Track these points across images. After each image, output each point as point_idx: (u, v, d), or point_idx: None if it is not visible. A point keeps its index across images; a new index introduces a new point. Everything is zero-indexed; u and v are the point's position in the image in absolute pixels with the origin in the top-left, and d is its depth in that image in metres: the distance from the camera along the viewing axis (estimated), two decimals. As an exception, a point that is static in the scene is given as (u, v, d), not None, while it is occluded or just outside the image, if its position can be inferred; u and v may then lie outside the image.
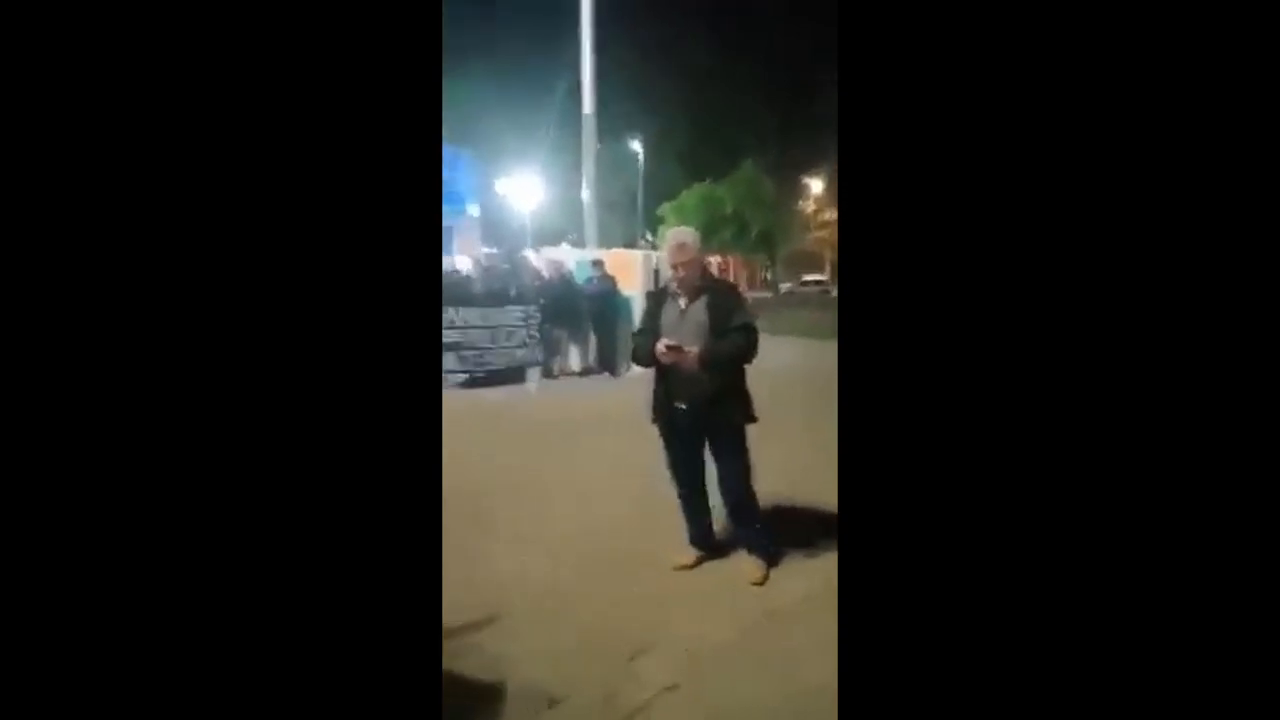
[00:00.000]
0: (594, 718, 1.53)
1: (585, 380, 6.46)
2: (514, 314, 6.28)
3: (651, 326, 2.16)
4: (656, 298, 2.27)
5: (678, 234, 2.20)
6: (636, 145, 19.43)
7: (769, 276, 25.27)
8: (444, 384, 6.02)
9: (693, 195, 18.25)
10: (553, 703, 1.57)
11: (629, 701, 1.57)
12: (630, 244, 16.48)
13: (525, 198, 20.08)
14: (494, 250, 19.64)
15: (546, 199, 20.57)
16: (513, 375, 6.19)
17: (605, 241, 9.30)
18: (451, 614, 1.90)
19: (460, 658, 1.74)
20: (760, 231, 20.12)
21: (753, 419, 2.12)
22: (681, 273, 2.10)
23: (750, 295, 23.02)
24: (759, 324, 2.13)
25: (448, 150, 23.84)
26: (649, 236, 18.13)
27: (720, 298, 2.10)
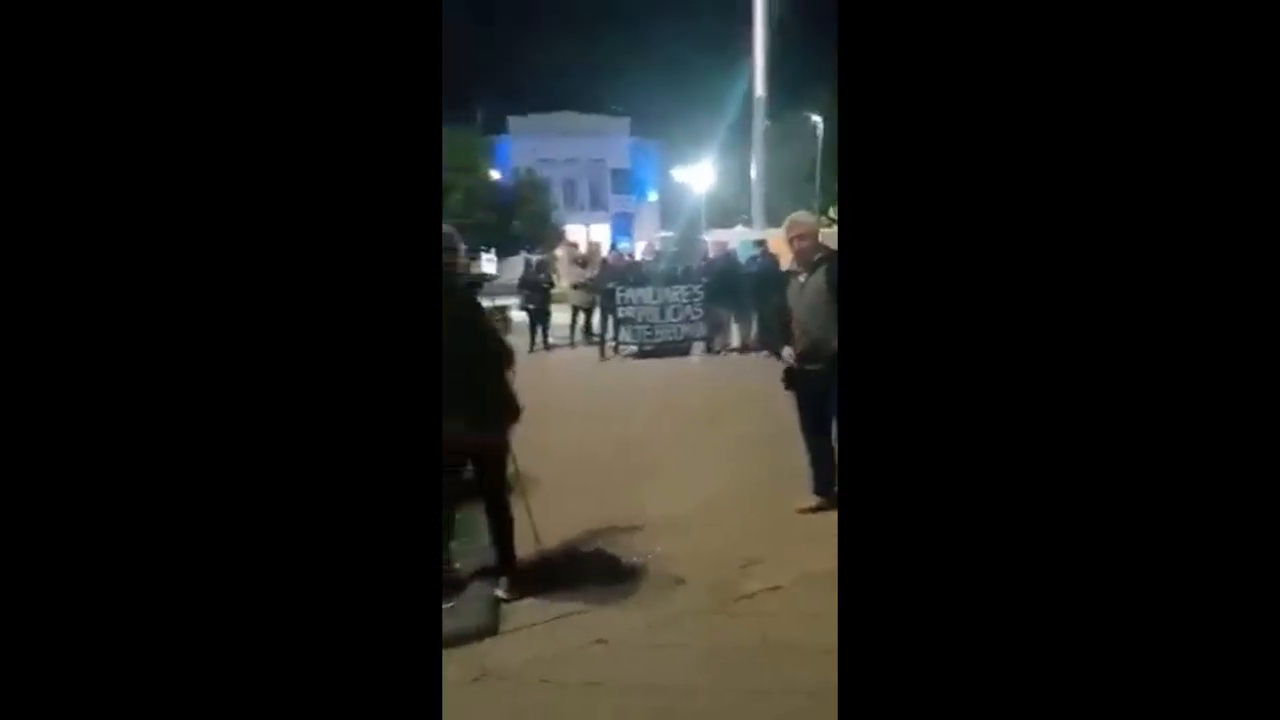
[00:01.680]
0: (710, 596, 1.95)
1: (745, 357, 6.72)
2: (680, 292, 6.82)
3: (781, 304, 2.45)
4: (786, 277, 2.54)
5: (792, 217, 2.51)
6: (817, 121, 18.50)
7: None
8: (618, 355, 6.86)
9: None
10: (679, 582, 2.04)
11: (739, 590, 1.96)
12: (807, 222, 15.89)
13: (701, 182, 20.60)
14: (669, 234, 20.69)
15: (722, 182, 20.83)
16: (678, 349, 6.75)
17: (775, 220, 9.31)
18: (615, 520, 2.49)
19: (616, 548, 2.30)
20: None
21: None
22: (796, 246, 2.35)
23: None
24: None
25: (632, 142, 25.35)
26: (831, 214, 17.21)
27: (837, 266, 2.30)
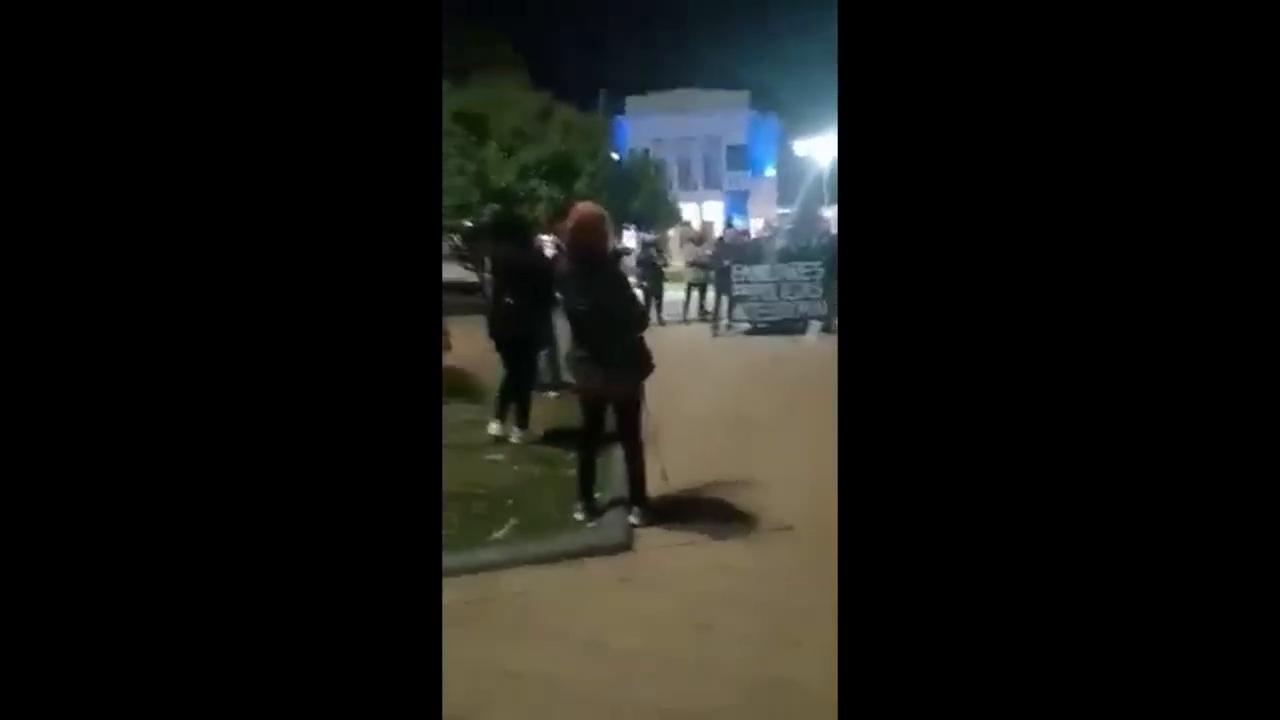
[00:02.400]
0: (814, 543, 2.15)
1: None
2: (799, 270, 6.76)
3: None
4: None
5: None
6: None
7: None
8: (731, 332, 6.99)
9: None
10: (788, 528, 2.26)
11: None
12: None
13: (824, 155, 19.58)
14: (788, 211, 19.97)
15: (847, 154, 19.53)
16: (793, 327, 6.73)
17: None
18: (729, 474, 2.75)
19: (731, 496, 2.57)
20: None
21: None
22: None
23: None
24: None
25: (751, 116, 24.49)
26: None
27: None
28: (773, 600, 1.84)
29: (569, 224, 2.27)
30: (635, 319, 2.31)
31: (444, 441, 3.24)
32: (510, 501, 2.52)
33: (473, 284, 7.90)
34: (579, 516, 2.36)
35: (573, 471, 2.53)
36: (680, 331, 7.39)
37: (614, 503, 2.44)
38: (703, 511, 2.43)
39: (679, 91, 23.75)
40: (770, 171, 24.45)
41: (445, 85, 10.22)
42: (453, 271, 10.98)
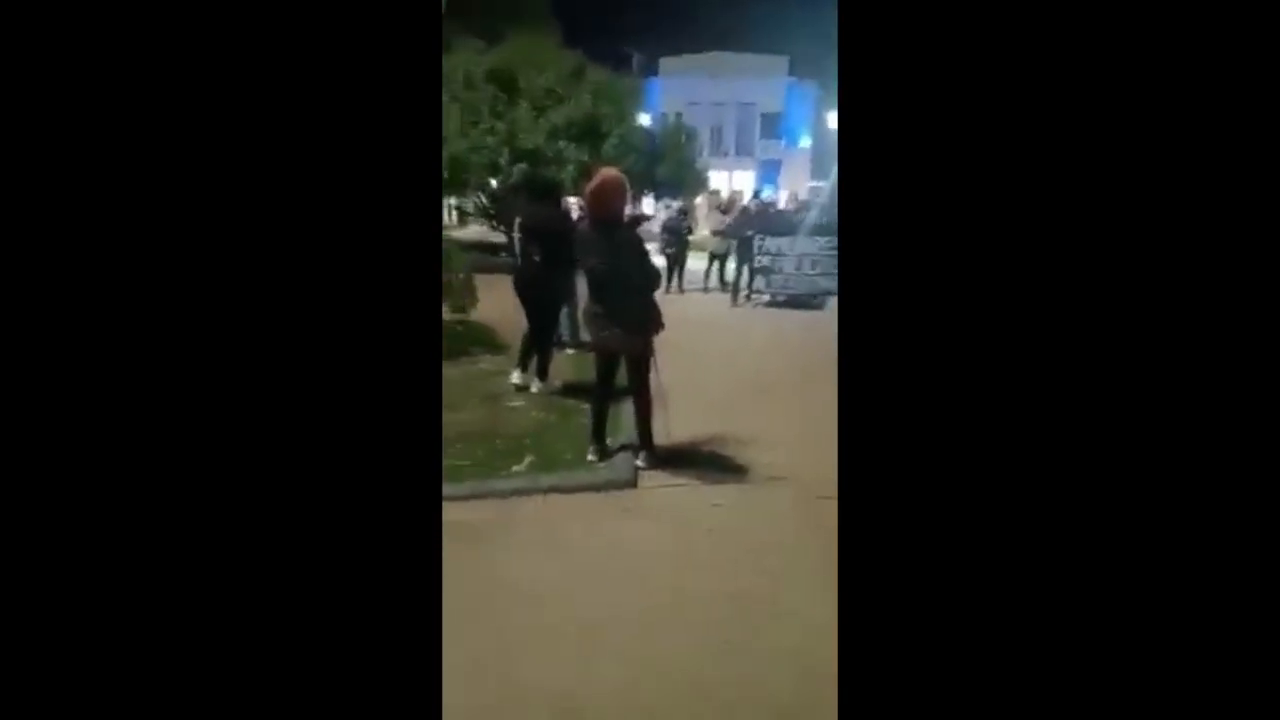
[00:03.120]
0: (801, 486, 2.36)
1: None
2: (820, 244, 6.77)
3: None
4: None
5: None
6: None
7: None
8: (750, 303, 7.07)
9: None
10: (775, 479, 2.47)
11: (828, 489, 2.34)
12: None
13: (862, 126, 18.86)
14: (821, 184, 19.50)
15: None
16: (813, 301, 6.79)
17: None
18: (731, 432, 2.94)
19: (730, 449, 2.78)
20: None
21: None
22: None
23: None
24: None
25: (789, 83, 23.57)
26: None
27: None
28: (756, 533, 2.07)
29: (590, 187, 2.44)
30: (648, 280, 2.49)
31: (468, 389, 3.45)
32: (528, 441, 2.77)
33: (500, 244, 8.10)
34: (591, 457, 2.60)
35: (585, 420, 2.76)
36: (699, 300, 7.49)
37: (623, 447, 2.68)
38: (703, 461, 2.66)
39: (715, 54, 23.06)
40: (805, 142, 23.78)
41: (479, 44, 10.19)
42: (480, 231, 11.14)
